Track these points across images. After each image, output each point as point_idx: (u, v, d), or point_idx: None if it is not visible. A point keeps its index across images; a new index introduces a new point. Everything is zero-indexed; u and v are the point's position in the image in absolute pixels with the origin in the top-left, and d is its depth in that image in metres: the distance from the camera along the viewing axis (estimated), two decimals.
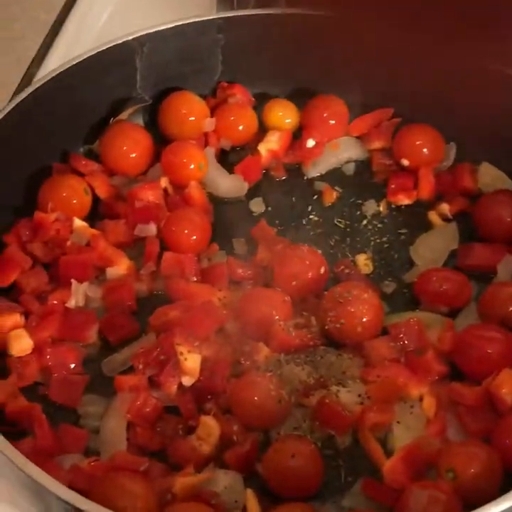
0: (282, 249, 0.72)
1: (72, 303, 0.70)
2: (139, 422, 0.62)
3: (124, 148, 0.78)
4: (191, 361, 0.64)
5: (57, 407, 0.65)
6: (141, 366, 0.65)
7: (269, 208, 0.78)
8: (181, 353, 0.64)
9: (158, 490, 0.58)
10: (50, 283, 0.71)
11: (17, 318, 0.68)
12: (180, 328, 0.65)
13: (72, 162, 0.78)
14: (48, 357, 0.66)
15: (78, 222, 0.74)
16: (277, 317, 0.67)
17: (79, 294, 0.70)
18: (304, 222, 0.77)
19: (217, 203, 0.78)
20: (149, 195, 0.75)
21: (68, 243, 0.72)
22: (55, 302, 0.69)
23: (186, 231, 0.73)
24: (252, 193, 0.79)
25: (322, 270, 0.70)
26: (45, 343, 0.67)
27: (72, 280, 0.70)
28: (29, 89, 0.75)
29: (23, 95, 0.74)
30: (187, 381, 0.64)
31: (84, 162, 0.78)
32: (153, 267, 0.72)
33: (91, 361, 0.68)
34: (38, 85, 0.75)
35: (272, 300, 0.68)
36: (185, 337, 0.65)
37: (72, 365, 0.66)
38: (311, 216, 0.77)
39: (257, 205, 0.78)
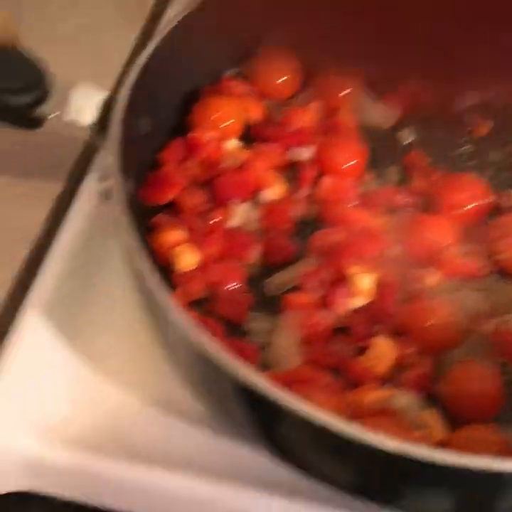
0: (443, 177, 0.71)
1: (232, 223, 0.69)
2: (311, 339, 0.62)
3: (276, 71, 0.77)
4: (364, 282, 0.64)
5: (223, 324, 0.65)
6: (310, 286, 0.65)
7: (419, 139, 0.77)
8: (354, 274, 0.64)
9: (343, 404, 0.58)
10: (207, 203, 0.71)
11: (180, 234, 0.67)
12: (348, 250, 0.65)
13: (224, 84, 0.77)
14: (214, 273, 0.66)
15: (233, 143, 0.73)
16: (446, 244, 0.66)
17: (238, 214, 0.70)
18: (456, 153, 0.76)
19: (365, 131, 0.77)
20: (303, 119, 0.75)
21: (223, 164, 0.72)
22: (216, 220, 0.69)
23: (344, 155, 0.73)
24: (400, 123, 0.78)
25: (487, 200, 0.69)
26: (209, 259, 0.67)
27: (232, 200, 0.70)
28: (180, 16, 0.72)
29: (175, 22, 0.72)
30: (359, 302, 0.64)
31: (236, 84, 0.77)
32: (308, 191, 0.72)
33: (253, 280, 0.67)
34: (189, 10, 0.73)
35: (440, 227, 0.67)
36: (353, 259, 0.65)
37: (237, 283, 0.66)
38: (464, 147, 0.76)
39: (406, 135, 0.77)
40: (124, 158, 0.61)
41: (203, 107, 0.75)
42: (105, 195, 0.63)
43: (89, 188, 0.72)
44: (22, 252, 0.70)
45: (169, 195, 0.70)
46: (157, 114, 0.71)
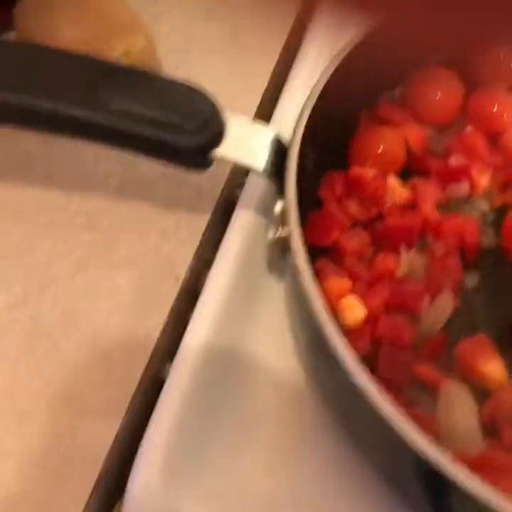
0: None
1: (401, 270, 0.63)
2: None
3: (438, 95, 0.71)
4: None
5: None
6: None
7: None
8: None
9: None
10: (370, 247, 0.65)
11: (346, 283, 0.62)
12: None
13: (383, 111, 0.71)
14: (381, 328, 0.60)
15: (393, 179, 0.67)
16: None
17: (406, 261, 0.64)
18: None
19: None
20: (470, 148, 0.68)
21: (388, 204, 0.66)
22: (384, 267, 0.63)
23: None
24: None
25: None
26: (376, 312, 0.61)
27: (401, 245, 0.64)
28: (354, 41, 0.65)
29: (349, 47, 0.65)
30: None
31: (397, 111, 0.70)
32: None
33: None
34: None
35: None
36: None
37: (406, 340, 0.60)
38: None
39: None
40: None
41: (363, 137, 0.69)
42: (276, 246, 0.58)
43: (240, 224, 0.67)
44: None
45: (333, 236, 0.64)
46: (319, 148, 0.66)
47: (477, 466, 0.51)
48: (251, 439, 0.58)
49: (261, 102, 0.75)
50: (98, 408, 0.59)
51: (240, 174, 0.73)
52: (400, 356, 0.59)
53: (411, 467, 0.51)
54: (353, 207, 0.65)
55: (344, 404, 0.56)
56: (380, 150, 0.68)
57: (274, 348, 0.62)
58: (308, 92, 0.61)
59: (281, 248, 0.57)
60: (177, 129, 0.56)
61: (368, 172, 0.66)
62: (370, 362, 0.58)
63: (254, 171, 0.59)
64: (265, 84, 0.76)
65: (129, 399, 0.59)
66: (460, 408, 0.56)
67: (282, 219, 0.56)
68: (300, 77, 0.74)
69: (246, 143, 0.59)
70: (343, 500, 0.57)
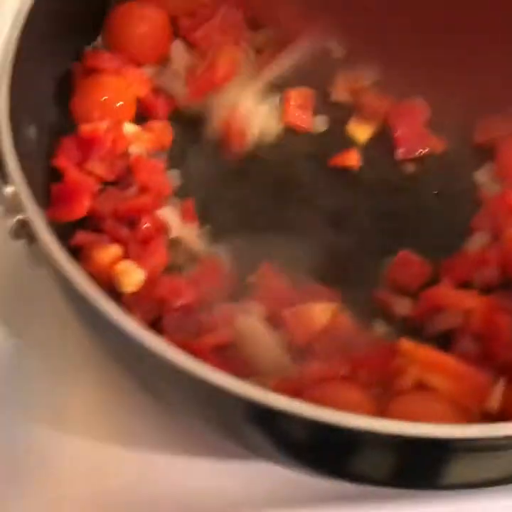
0: None
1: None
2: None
3: (141, 33, 0.64)
4: None
5: None
6: None
7: None
8: None
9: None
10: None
11: (115, 251, 0.56)
12: None
13: (90, 60, 0.64)
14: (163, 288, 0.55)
15: (130, 128, 0.62)
16: None
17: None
18: None
19: None
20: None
21: (133, 155, 0.61)
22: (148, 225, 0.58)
23: None
24: None
25: None
26: (156, 271, 0.56)
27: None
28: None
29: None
30: None
31: (106, 57, 0.64)
32: None
33: None
34: None
35: None
36: None
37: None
38: None
39: None
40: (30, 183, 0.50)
41: (82, 91, 0.62)
42: (15, 233, 0.51)
43: None
44: None
45: (82, 207, 0.58)
46: (39, 117, 0.59)
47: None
48: None
49: None
50: None
51: None
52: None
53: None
54: (98, 168, 0.60)
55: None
56: (103, 99, 0.62)
57: None
58: None
59: (27, 237, 0.51)
60: None
61: (99, 126, 0.60)
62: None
63: None
64: None
65: None
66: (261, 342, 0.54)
67: (15, 206, 0.50)
68: None
69: None
70: None
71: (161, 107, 0.64)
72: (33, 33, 0.56)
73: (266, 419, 0.45)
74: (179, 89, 0.64)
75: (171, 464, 0.52)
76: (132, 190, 0.59)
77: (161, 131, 0.63)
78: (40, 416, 0.54)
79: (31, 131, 0.56)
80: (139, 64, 0.65)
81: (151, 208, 0.58)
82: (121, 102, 0.62)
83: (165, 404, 0.53)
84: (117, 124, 0.61)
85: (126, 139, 0.61)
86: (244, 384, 0.43)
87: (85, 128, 0.60)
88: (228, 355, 0.52)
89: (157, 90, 0.65)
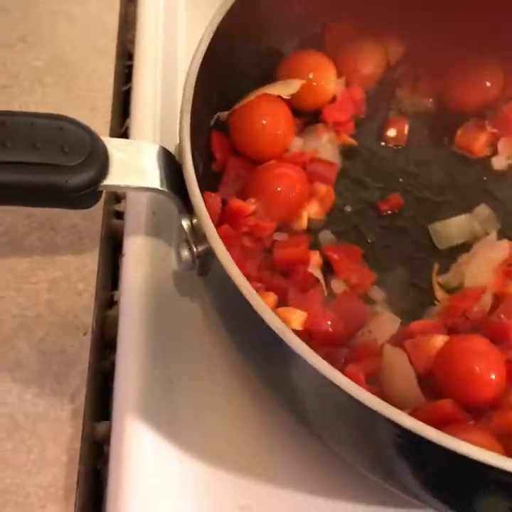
0: None
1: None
2: None
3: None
4: None
5: None
6: None
7: None
8: None
9: None
10: None
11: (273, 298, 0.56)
12: None
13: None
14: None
15: None
16: None
17: None
18: None
19: None
20: None
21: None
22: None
23: None
24: None
25: None
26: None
27: None
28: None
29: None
30: None
31: None
32: None
33: None
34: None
35: None
36: None
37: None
38: None
39: None
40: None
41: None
42: (188, 263, 0.52)
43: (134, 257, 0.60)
44: None
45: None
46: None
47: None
48: None
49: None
50: None
51: (112, 200, 0.67)
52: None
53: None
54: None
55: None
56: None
57: None
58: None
59: (201, 267, 0.52)
60: (62, 170, 0.49)
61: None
62: None
63: (152, 190, 0.53)
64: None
65: None
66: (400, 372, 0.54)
67: (195, 235, 0.51)
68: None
69: (133, 165, 0.52)
70: None
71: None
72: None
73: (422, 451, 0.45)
74: None
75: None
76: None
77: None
78: (191, 450, 0.54)
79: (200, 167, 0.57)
80: None
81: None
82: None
83: (324, 442, 0.52)
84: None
85: None
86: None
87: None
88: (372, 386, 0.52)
89: None
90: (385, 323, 0.55)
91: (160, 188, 0.53)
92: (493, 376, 0.51)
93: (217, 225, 0.57)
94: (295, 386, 0.49)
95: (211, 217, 0.52)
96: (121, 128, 0.72)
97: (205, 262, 0.52)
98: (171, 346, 0.58)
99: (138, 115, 0.67)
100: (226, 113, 0.63)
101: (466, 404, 0.50)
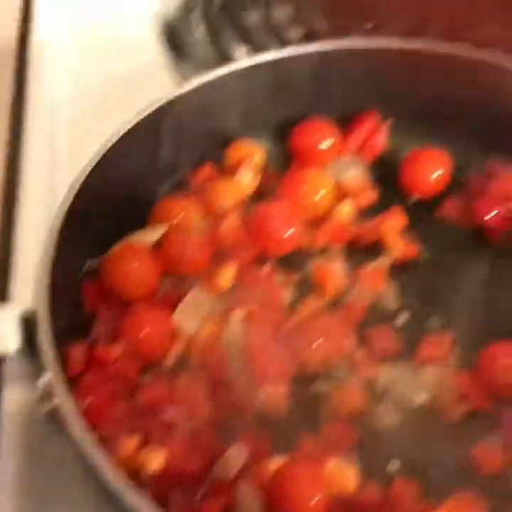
0: None
1: None
2: None
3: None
4: None
5: None
6: None
7: None
8: None
9: None
10: None
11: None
12: None
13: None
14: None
15: None
16: None
17: None
18: None
19: None
20: None
21: None
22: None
23: None
24: None
25: None
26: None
27: None
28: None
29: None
30: None
31: None
32: None
33: None
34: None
35: None
36: None
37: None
38: None
39: None
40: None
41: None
42: (50, 417, 0.55)
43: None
44: None
45: None
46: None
47: None
48: None
49: None
50: None
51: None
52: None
53: None
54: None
55: None
56: None
57: None
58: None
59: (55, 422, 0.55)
60: None
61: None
62: None
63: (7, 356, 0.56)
64: None
65: None
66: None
67: (49, 393, 0.55)
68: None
69: None
70: None
71: None
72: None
73: None
74: None
75: None
76: None
77: None
78: None
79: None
80: None
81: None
82: None
83: None
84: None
85: None
86: None
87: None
88: None
89: None
90: (232, 457, 0.58)
91: (15, 353, 0.56)
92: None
93: (83, 372, 0.61)
94: None
95: (73, 368, 0.58)
96: None
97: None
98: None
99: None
100: (96, 261, 0.67)
101: None
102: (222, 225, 0.70)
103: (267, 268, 0.69)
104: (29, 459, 0.62)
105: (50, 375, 0.54)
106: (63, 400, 0.53)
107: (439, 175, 0.74)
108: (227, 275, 0.69)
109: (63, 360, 0.57)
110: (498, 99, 0.73)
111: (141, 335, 0.64)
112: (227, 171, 0.75)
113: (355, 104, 0.76)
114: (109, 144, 0.65)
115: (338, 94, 0.76)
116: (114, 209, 0.67)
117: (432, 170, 0.74)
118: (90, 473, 0.52)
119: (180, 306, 0.66)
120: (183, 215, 0.70)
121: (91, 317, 0.66)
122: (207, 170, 0.74)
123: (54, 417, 0.54)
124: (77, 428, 0.52)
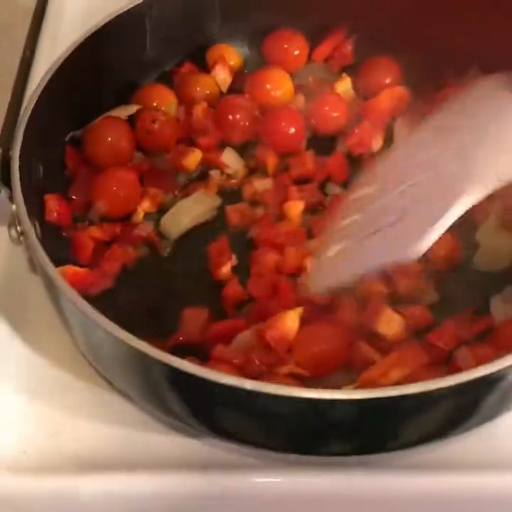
0: None
1: None
2: None
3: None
4: None
5: None
6: None
7: None
8: None
9: None
10: None
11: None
12: None
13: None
14: None
15: None
16: None
17: None
18: None
19: None
20: None
21: None
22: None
23: None
24: None
25: None
26: None
27: None
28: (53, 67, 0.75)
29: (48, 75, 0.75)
30: None
31: None
32: None
33: None
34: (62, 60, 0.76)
35: None
36: None
37: None
38: None
39: None
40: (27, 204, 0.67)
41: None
42: (16, 240, 0.68)
43: None
44: None
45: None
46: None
47: None
48: None
49: None
50: None
51: None
52: None
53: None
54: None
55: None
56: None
57: None
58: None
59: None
60: None
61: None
62: None
63: None
64: None
65: None
66: None
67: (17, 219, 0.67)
68: None
69: None
70: None
71: None
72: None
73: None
74: None
75: None
76: None
77: None
78: None
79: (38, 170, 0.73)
80: None
81: None
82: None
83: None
84: None
85: None
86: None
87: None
88: None
89: None
90: None
91: None
92: None
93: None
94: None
95: (50, 213, 0.73)
96: None
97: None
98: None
99: None
100: (80, 131, 0.80)
101: None
102: (193, 113, 0.82)
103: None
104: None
105: (16, 205, 0.66)
106: (25, 228, 0.66)
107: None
108: (193, 157, 0.81)
109: (40, 203, 0.72)
110: None
111: (111, 189, 0.77)
112: (206, 70, 0.87)
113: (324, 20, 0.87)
114: (94, 29, 0.77)
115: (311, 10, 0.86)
116: (99, 88, 0.81)
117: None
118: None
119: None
120: (160, 99, 0.83)
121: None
122: (188, 66, 0.87)
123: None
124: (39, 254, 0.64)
